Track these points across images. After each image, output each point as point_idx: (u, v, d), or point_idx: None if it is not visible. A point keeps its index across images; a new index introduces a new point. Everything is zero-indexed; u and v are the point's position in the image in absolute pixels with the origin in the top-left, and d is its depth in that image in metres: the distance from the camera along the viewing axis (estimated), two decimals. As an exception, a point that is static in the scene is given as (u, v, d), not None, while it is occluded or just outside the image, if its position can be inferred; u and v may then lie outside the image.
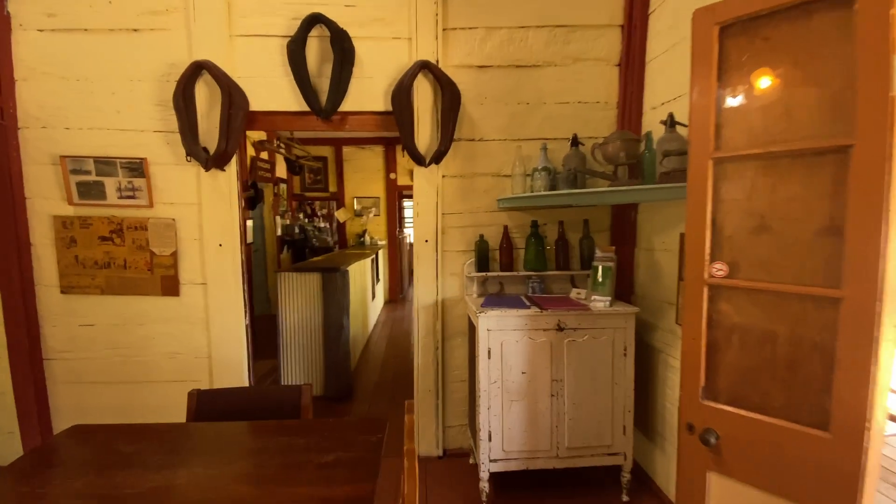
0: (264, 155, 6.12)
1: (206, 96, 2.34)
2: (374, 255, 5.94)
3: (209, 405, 1.62)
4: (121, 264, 2.43)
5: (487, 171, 2.52)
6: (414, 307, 2.57)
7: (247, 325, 2.52)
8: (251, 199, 5.46)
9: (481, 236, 2.49)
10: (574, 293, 2.42)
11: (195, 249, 2.44)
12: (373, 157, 7.39)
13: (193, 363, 2.52)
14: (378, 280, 6.69)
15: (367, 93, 2.43)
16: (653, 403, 2.28)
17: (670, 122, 1.99)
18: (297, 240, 7.34)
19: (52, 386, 2.53)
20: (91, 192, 2.39)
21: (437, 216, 2.49)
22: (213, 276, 2.44)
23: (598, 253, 2.31)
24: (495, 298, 2.40)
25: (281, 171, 6.80)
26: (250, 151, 5.63)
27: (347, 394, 3.58)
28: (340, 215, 7.41)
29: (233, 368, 2.49)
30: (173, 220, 2.41)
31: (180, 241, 2.44)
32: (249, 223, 5.53)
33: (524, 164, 2.39)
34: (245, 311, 2.50)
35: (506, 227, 2.50)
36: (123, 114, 2.37)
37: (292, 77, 2.35)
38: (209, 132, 2.32)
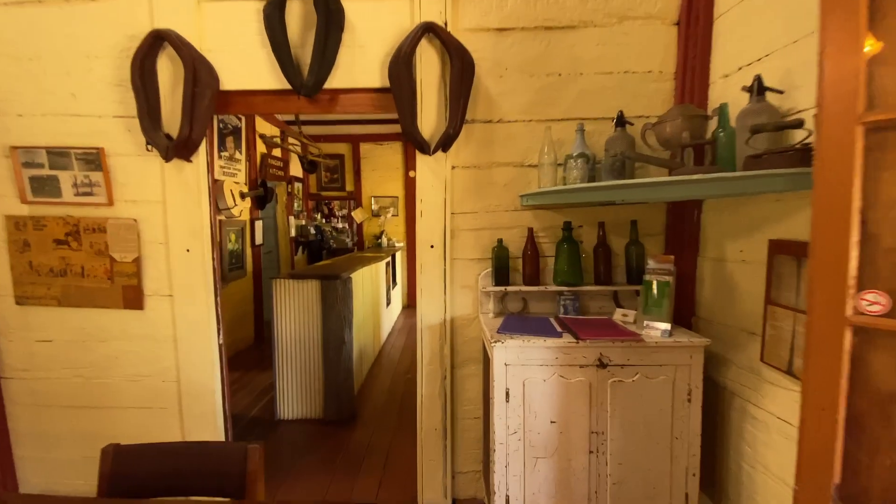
0: (277, 152, 5.83)
1: (170, 74, 1.97)
2: (389, 258, 5.54)
3: (129, 467, 1.22)
4: (78, 272, 2.09)
5: (508, 160, 2.04)
6: (417, 326, 2.12)
7: (220, 345, 2.13)
8: (261, 198, 5.17)
9: (500, 241, 2.00)
10: (619, 315, 1.90)
11: (161, 255, 2.08)
12: (391, 154, 7.00)
13: (161, 388, 2.16)
14: (395, 284, 6.29)
15: (360, 65, 1.99)
16: (725, 465, 1.73)
17: (758, 89, 1.45)
18: (312, 241, 7.05)
19: (11, 407, 2.23)
20: (45, 188, 2.06)
21: (444, 216, 2.03)
22: (179, 287, 2.06)
23: (652, 263, 1.78)
24: (517, 320, 1.91)
25: (296, 169, 6.52)
26: (261, 148, 5.34)
27: (350, 417, 3.17)
28: (357, 215, 7.06)
29: (204, 396, 2.11)
30: (135, 220, 2.06)
31: (144, 245, 2.08)
32: (259, 224, 5.24)
33: (555, 151, 1.89)
34: (218, 329, 2.11)
35: (531, 230, 2.00)
36: (79, 97, 2.03)
37: (270, 49, 1.94)
38: (174, 116, 1.95)
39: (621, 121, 1.84)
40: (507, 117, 2.01)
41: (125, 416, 2.19)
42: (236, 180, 4.65)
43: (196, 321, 2.07)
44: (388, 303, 5.57)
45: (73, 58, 2.01)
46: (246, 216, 4.94)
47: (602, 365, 1.60)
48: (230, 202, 4.34)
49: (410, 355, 4.64)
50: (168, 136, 1.94)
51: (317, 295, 3.06)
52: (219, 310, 2.11)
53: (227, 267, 4.51)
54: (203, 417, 2.11)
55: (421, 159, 2.00)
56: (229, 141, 4.54)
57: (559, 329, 1.74)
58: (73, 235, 2.07)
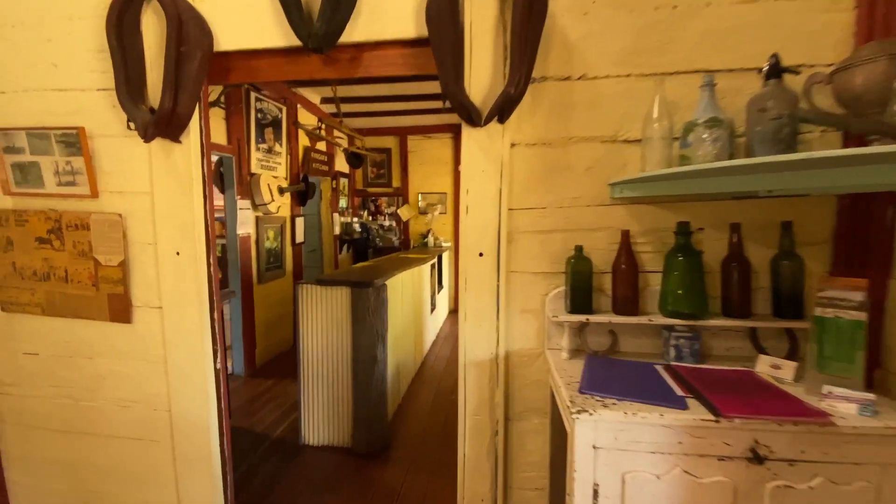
0: (321, 146, 5.54)
1: (157, 33, 1.57)
2: (435, 260, 5.05)
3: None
4: (62, 276, 1.77)
5: (593, 134, 1.43)
6: (459, 361, 1.58)
7: (218, 371, 1.72)
8: (302, 193, 4.88)
9: (578, 249, 1.41)
10: (765, 366, 1.24)
11: (150, 259, 1.70)
12: (440, 147, 6.52)
13: (152, 417, 1.79)
14: (441, 288, 5.80)
15: (388, 9, 1.48)
16: None
17: None
18: (358, 239, 6.75)
19: (1, 425, 1.98)
20: (28, 177, 1.76)
21: (499, 213, 1.46)
22: (169, 299, 1.67)
23: (830, 290, 1.12)
24: (604, 367, 1.32)
25: (342, 164, 6.22)
26: (303, 141, 5.06)
27: (382, 448, 2.71)
28: (404, 213, 6.66)
29: (196, 436, 1.71)
30: (120, 215, 1.69)
31: (131, 245, 1.71)
32: (300, 221, 4.95)
33: (667, 117, 1.27)
34: (215, 351, 1.70)
35: (625, 235, 1.39)
36: (61, 67, 1.69)
37: (275, -7, 1.48)
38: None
39: (777, 69, 1.18)
40: (594, 71, 1.41)
41: (116, 446, 1.85)
42: (275, 174, 4.37)
43: (186, 341, 1.67)
44: (433, 308, 5.09)
45: (53, 21, 1.68)
46: (286, 212, 4.66)
47: (757, 458, 0.97)
48: (267, 197, 4.05)
49: (457, 368, 4.12)
50: (152, 110, 1.54)
51: (346, 304, 2.62)
52: (216, 327, 1.70)
53: (265, 266, 4.24)
54: (197, 461, 1.72)
55: (468, 134, 1.45)
56: (268, 132, 4.26)
57: (678, 389, 1.12)
58: (56, 233, 1.74)
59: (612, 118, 1.42)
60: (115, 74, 1.51)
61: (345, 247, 6.43)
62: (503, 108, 1.34)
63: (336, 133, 5.79)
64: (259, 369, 4.12)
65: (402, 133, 6.54)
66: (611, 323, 1.42)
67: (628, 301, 1.38)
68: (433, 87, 4.73)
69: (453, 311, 6.57)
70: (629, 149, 1.41)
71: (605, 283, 1.45)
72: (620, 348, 1.46)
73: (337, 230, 6.06)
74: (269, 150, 4.29)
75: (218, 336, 1.71)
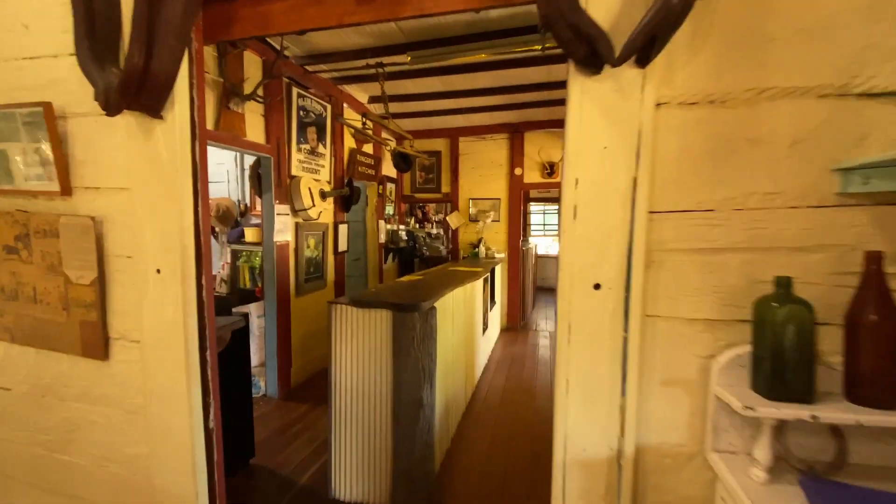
0: (368, 148, 5.18)
1: (138, -31, 1.15)
2: (488, 274, 4.48)
3: None
4: (30, 294, 1.39)
5: (806, 83, 0.82)
6: (555, 457, 0.99)
7: (211, 430, 1.26)
8: (346, 198, 4.50)
9: (783, 284, 0.80)
10: None
11: (129, 276, 1.28)
12: (494, 149, 5.97)
13: (131, 483, 1.36)
14: (493, 304, 5.22)
15: None
16: None
17: None
18: (404, 248, 6.33)
19: (-20, 469, 1.64)
20: (-1, 169, 1.40)
21: (630, 218, 0.88)
22: (148, 332, 1.24)
23: None
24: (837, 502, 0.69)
25: (389, 168, 5.84)
26: (349, 143, 4.71)
27: (427, 512, 2.17)
28: (453, 220, 6.15)
29: (179, 514, 1.25)
30: (93, 219, 1.28)
31: (107, 259, 1.30)
32: (344, 228, 4.58)
33: None
34: (206, 405, 1.24)
35: (873, 259, 0.76)
36: (33, 29, 1.33)
37: None
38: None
39: None
40: (816, -31, 0.80)
41: (93, 513, 1.44)
42: (317, 177, 4.01)
43: (169, 390, 1.22)
44: (485, 328, 4.51)
45: (27, -32, 1.32)
46: (328, 219, 4.30)
47: None
48: (307, 202, 3.69)
49: (514, 402, 3.51)
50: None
51: (387, 331, 2.12)
52: (209, 372, 1.24)
53: (304, 276, 3.88)
54: (178, 552, 1.26)
55: (580, 89, 0.88)
56: (311, 132, 3.92)
57: None
58: (23, 240, 1.37)
59: (842, 54, 0.80)
60: (74, 25, 1.10)
61: (390, 256, 6.02)
62: (653, 35, 0.76)
63: (383, 135, 5.41)
64: (294, 390, 3.73)
65: (452, 135, 6.06)
66: (842, 416, 0.79)
67: (880, 380, 0.75)
68: (488, 78, 4.22)
69: (506, 329, 5.96)
70: (875, 108, 0.79)
71: (826, 343, 0.82)
72: (850, 459, 0.82)
73: (382, 238, 5.66)
74: (312, 152, 3.95)
75: (212, 384, 1.25)
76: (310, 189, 3.75)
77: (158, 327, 1.21)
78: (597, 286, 0.89)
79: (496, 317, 5.43)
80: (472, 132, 5.94)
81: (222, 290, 4.64)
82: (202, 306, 1.21)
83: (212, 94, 2.86)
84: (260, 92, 3.15)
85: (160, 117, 1.14)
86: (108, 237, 1.28)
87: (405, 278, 3.31)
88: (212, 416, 1.25)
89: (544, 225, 9.98)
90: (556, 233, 9.81)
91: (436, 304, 2.23)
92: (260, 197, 3.50)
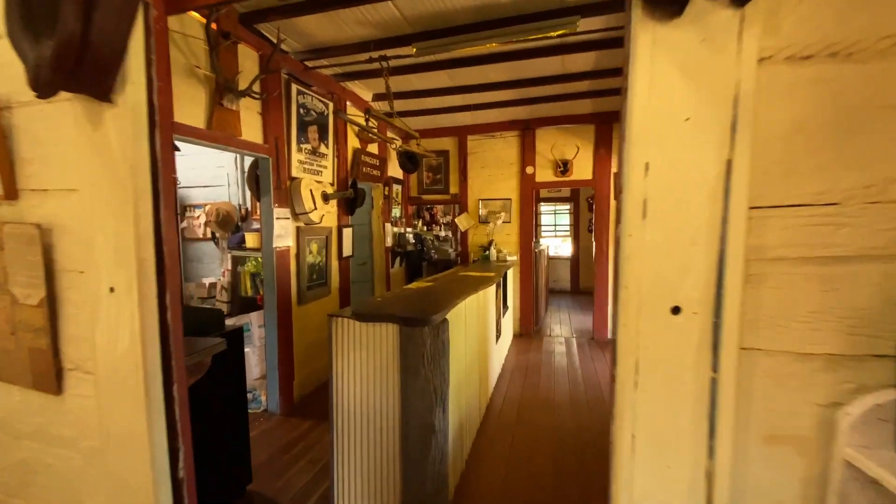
0: (373, 148, 4.97)
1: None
2: (500, 279, 4.24)
3: None
4: (-25, 317, 1.18)
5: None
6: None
7: (181, 481, 1.04)
8: (350, 201, 4.30)
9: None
10: None
11: (82, 294, 1.06)
12: (504, 148, 5.73)
13: (93, 540, 1.15)
14: (506, 309, 4.97)
15: None
16: None
17: None
18: (412, 252, 6.11)
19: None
20: (-60, 171, 1.20)
21: (723, 216, 0.65)
22: (103, 363, 1.02)
23: None
24: None
25: (395, 169, 5.63)
26: (353, 143, 4.50)
27: (441, 549, 1.93)
28: (462, 222, 5.92)
29: (140, 589, 1.03)
30: (38, 227, 1.07)
31: (57, 274, 1.09)
32: (348, 232, 4.37)
33: None
34: (174, 450, 1.03)
35: None
36: (-28, 3, 1.13)
37: None
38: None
39: None
40: None
41: (52, 570, 1.23)
42: (319, 179, 3.81)
43: (127, 434, 1.00)
44: (498, 336, 4.27)
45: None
46: (331, 222, 4.09)
47: None
48: (308, 205, 3.48)
49: (532, 416, 3.27)
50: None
51: (394, 348, 1.89)
52: (178, 412, 1.02)
53: (306, 283, 3.67)
54: None
55: (649, 36, 0.65)
56: (312, 131, 3.72)
57: None
58: (-35, 253, 1.17)
59: None
60: (4, -14, 0.89)
61: (397, 260, 5.81)
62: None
63: (389, 134, 5.21)
64: (297, 405, 3.52)
65: (460, 133, 5.84)
66: None
67: None
68: (499, 71, 3.98)
69: (519, 335, 5.71)
70: None
71: None
72: None
73: (389, 242, 5.45)
74: (313, 152, 3.75)
75: (181, 425, 1.03)
76: (311, 191, 3.55)
77: (113, 358, 0.99)
78: (675, 310, 0.66)
79: (509, 322, 5.18)
80: (482, 130, 5.72)
81: (223, 298, 4.46)
82: (166, 332, 0.99)
83: (203, 90, 2.67)
84: (257, 88, 2.95)
85: (109, 100, 0.92)
86: (57, 248, 1.07)
87: (413, 285, 3.09)
88: (181, 465, 1.03)
89: (555, 226, 9.71)
90: (567, 234, 9.54)
91: (447, 316, 2.00)
92: (258, 200, 3.30)
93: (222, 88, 2.72)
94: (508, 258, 5.43)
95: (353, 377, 1.97)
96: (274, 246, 3.26)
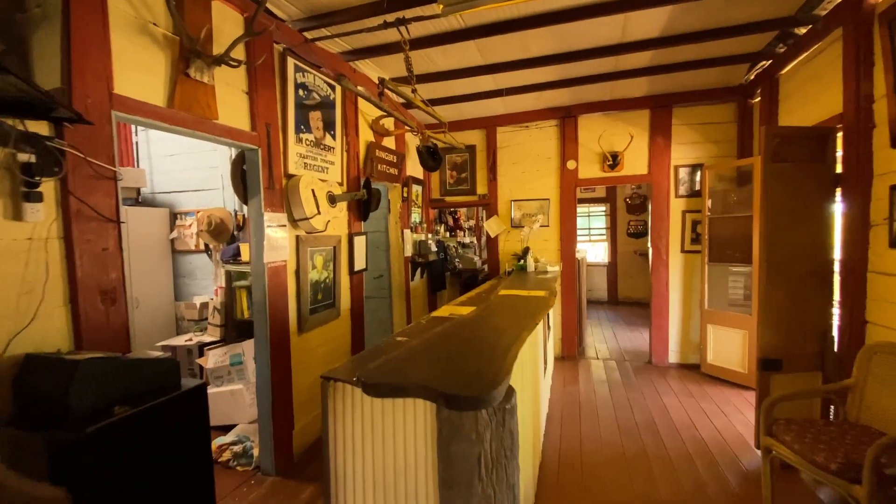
0: (390, 142, 4.26)
1: None
2: (554, 300, 3.44)
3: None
4: None
5: None
6: None
7: None
8: (363, 203, 3.58)
9: None
10: None
11: None
12: (541, 140, 4.94)
13: None
14: (549, 330, 4.17)
15: None
16: None
17: None
18: (434, 262, 5.35)
19: None
20: None
21: None
22: None
23: None
24: None
25: (415, 168, 4.91)
26: (366, 135, 3.79)
27: None
28: (492, 227, 5.15)
29: None
30: None
31: None
32: (361, 241, 3.64)
33: None
34: None
35: None
36: None
37: None
38: None
39: None
40: None
41: None
42: (324, 177, 3.10)
43: None
44: (545, 368, 3.47)
45: None
46: (340, 230, 3.38)
47: None
48: (309, 209, 2.77)
49: (603, 484, 2.45)
50: None
51: (428, 442, 1.13)
52: None
53: (308, 306, 2.95)
54: None
55: None
56: (314, 118, 3.01)
57: None
58: None
59: None
60: None
61: (417, 271, 5.06)
62: None
63: (407, 123, 4.47)
64: (298, 463, 2.79)
65: (489, 124, 5.08)
66: None
67: None
68: (539, 40, 3.16)
69: (561, 358, 4.88)
70: None
71: None
72: None
73: (409, 251, 4.71)
74: (317, 144, 3.04)
75: None
76: (313, 192, 2.83)
77: None
78: None
79: (551, 345, 4.37)
80: (514, 120, 4.94)
81: (215, 320, 3.78)
82: None
83: (163, 55, 1.98)
84: (240, 55, 2.24)
85: None
86: None
87: (445, 311, 2.32)
88: None
89: (589, 229, 8.83)
90: (602, 237, 8.65)
91: (513, 391, 1.22)
92: (245, 203, 2.60)
93: (188, 53, 2.03)
94: (549, 268, 4.62)
95: (357, 480, 1.22)
96: (265, 261, 2.55)
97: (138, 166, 4.23)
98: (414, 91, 2.80)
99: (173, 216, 4.18)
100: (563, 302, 4.88)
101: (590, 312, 7.43)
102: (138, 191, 4.10)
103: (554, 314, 4.84)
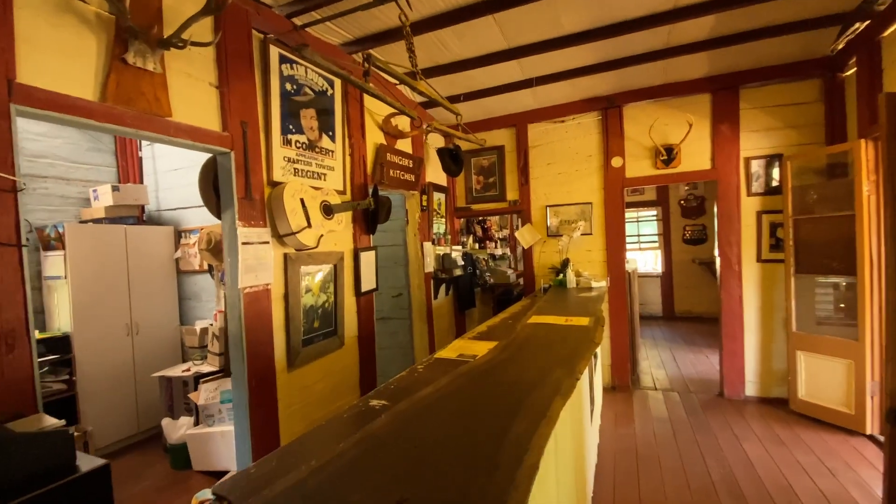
0: (405, 145, 3.80)
1: None
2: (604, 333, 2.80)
3: None
4: None
5: None
6: None
7: None
8: (370, 214, 3.11)
9: None
10: None
11: None
12: (580, 135, 4.31)
13: None
14: (595, 358, 3.50)
15: None
16: None
17: None
18: (461, 277, 4.81)
19: None
20: None
21: None
22: None
23: None
24: None
25: (437, 174, 4.42)
26: (375, 137, 3.36)
27: None
28: (525, 236, 4.55)
29: None
30: None
31: None
32: (369, 257, 3.18)
33: None
34: None
35: None
36: None
37: None
38: None
39: None
40: None
41: None
42: (318, 184, 2.66)
43: None
44: (592, 408, 2.82)
45: None
46: (342, 245, 2.93)
47: None
48: (296, 222, 2.33)
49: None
50: None
51: None
52: None
53: (301, 336, 2.50)
54: None
55: None
56: (306, 117, 2.60)
57: None
58: None
59: None
60: None
61: (441, 287, 4.53)
62: None
63: (416, 121, 4.00)
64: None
65: (519, 121, 4.52)
66: None
67: None
68: (577, 10, 2.59)
69: (611, 388, 4.16)
70: None
71: None
72: None
73: (430, 266, 4.20)
74: (310, 147, 2.62)
75: None
76: (302, 202, 2.39)
77: None
78: None
79: (598, 375, 3.68)
80: (547, 115, 4.36)
81: (214, 348, 3.43)
82: None
83: (93, 38, 1.60)
84: (198, 36, 1.84)
85: None
86: None
87: (453, 349, 1.77)
88: None
89: (639, 236, 7.98)
90: (654, 244, 7.77)
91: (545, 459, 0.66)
92: (218, 217, 2.19)
93: (126, 35, 1.64)
94: (594, 284, 3.95)
95: None
96: (241, 286, 2.12)
97: (142, 183, 4.01)
98: (416, 73, 2.31)
99: (178, 234, 3.92)
100: (611, 321, 4.18)
101: (642, 330, 6.59)
102: (142, 208, 3.87)
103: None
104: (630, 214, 8.03)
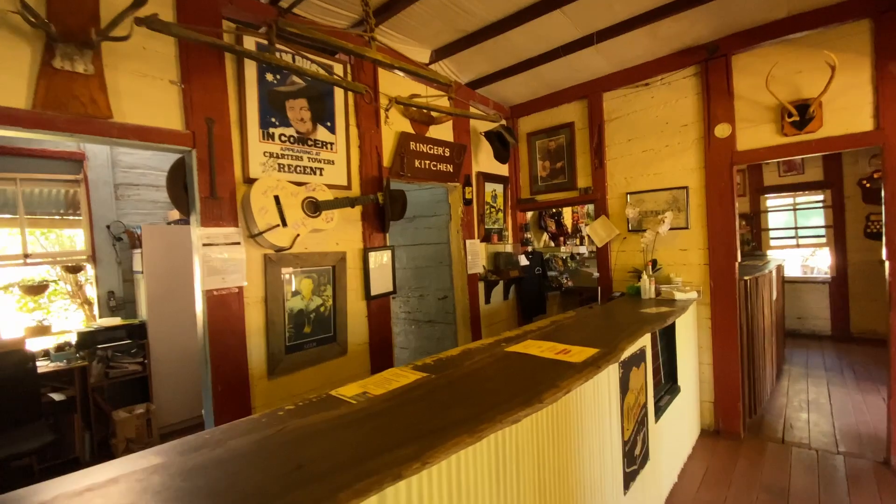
0: (441, 131, 3.40)
1: None
2: (651, 351, 2.02)
3: None
4: None
5: None
6: None
7: None
8: (379, 209, 2.81)
9: None
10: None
11: None
12: (669, 99, 3.31)
13: None
14: (675, 391, 2.60)
15: None
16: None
17: None
18: (524, 278, 4.20)
19: None
20: None
21: None
22: None
23: None
24: None
25: (487, 161, 3.92)
26: (397, 126, 3.05)
27: None
28: (598, 232, 3.72)
29: None
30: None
31: None
32: (382, 258, 2.90)
33: None
34: None
35: None
36: None
37: None
38: None
39: None
40: None
41: None
42: (311, 180, 2.47)
43: None
44: (633, 475, 2.06)
45: None
46: (347, 245, 2.70)
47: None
48: (264, 221, 2.17)
49: None
50: None
51: None
52: None
53: (284, 343, 2.36)
54: None
55: None
56: (295, 107, 2.42)
57: None
58: None
59: None
60: None
61: (494, 290, 3.99)
62: None
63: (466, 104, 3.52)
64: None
65: (590, 90, 3.70)
66: None
67: None
68: None
69: (712, 432, 3.11)
70: None
71: None
72: None
73: (476, 266, 3.72)
74: (300, 140, 2.44)
75: None
76: (277, 199, 2.22)
77: None
78: None
79: (682, 415, 2.75)
80: (625, 79, 3.45)
81: (256, 343, 3.58)
82: None
83: (27, 47, 1.63)
84: (124, 30, 1.76)
85: None
86: None
87: (390, 376, 1.36)
88: None
89: (796, 228, 6.08)
90: (820, 240, 5.80)
91: None
92: (186, 218, 2.15)
93: (54, 40, 1.64)
94: (678, 294, 2.98)
95: None
96: (204, 288, 2.04)
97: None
98: (367, 33, 1.91)
99: (245, 233, 4.22)
100: (714, 342, 3.13)
101: (798, 353, 4.97)
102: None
103: (696, 361, 3.13)
104: (780, 201, 6.17)
